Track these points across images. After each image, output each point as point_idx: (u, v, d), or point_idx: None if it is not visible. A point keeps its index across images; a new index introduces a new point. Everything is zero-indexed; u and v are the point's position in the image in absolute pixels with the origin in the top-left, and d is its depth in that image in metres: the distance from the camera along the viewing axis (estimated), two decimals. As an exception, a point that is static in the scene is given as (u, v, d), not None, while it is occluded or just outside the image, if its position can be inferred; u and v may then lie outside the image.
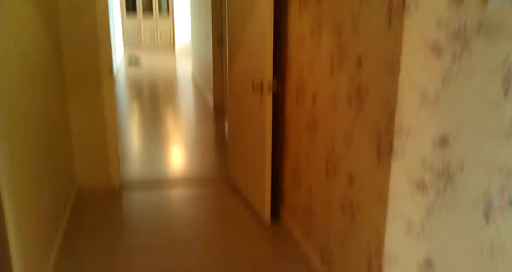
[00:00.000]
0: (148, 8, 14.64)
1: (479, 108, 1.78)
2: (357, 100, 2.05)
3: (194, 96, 8.10)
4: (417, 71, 1.70)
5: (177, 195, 3.76)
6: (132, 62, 12.03)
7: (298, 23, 2.78)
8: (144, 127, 5.98)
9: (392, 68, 1.74)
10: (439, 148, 1.78)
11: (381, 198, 1.86)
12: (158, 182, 4.03)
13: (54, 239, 2.78)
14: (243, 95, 3.44)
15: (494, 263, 1.98)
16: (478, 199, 1.89)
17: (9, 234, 1.90)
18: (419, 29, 1.66)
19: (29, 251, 2.17)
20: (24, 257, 2.07)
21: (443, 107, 1.75)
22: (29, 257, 2.15)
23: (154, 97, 7.98)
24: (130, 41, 14.82)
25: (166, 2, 14.72)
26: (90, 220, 3.25)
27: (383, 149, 1.83)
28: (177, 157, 4.75)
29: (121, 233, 3.09)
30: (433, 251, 1.90)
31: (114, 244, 2.94)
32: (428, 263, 1.91)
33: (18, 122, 2.12)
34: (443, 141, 1.78)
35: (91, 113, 3.67)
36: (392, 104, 1.75)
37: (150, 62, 12.31)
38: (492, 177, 1.87)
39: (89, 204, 3.52)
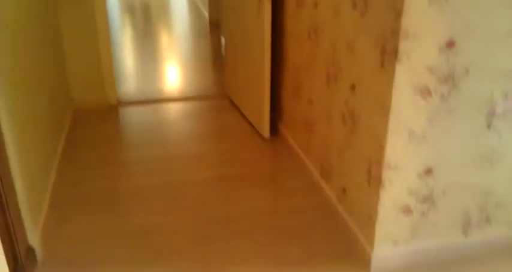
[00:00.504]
0: None
1: (488, 10, 1.67)
2: (362, 2, 1.92)
3: (188, 9, 7.79)
4: (427, -32, 1.57)
5: (175, 111, 3.72)
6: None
7: None
8: (138, 43, 5.80)
9: (401, -36, 1.60)
10: (445, 52, 1.70)
11: (383, 105, 1.82)
12: (155, 99, 3.97)
13: (54, 154, 2.78)
14: (240, 4, 3.27)
15: (493, 170, 1.98)
16: (481, 105, 1.84)
17: (9, 152, 1.88)
18: None
19: (30, 168, 2.17)
20: (25, 173, 2.07)
21: (452, 8, 1.63)
22: (29, 173, 2.15)
23: (146, 11, 7.67)
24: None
25: None
26: (88, 136, 3.24)
27: (387, 55, 1.75)
28: (173, 73, 4.65)
29: (120, 147, 3.09)
30: (434, 158, 1.89)
31: (114, 157, 2.95)
32: (428, 171, 1.91)
33: (8, 37, 2.01)
34: (450, 44, 1.69)
35: (83, 27, 3.51)
36: (399, 5, 1.63)
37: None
38: (496, 82, 1.80)
39: (86, 121, 3.50)
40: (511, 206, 2.09)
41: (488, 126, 1.88)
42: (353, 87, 2.07)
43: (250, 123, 3.43)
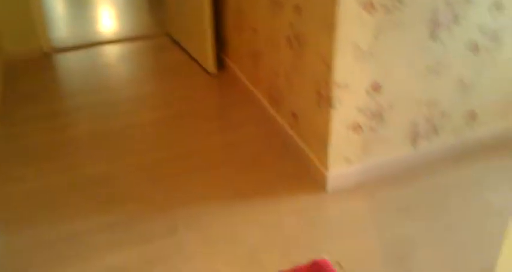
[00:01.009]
0: None
1: None
2: None
3: None
4: None
5: (113, 53, 3.54)
6: None
7: None
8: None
9: None
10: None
11: (329, 24, 1.77)
12: (91, 43, 3.74)
13: (-13, 109, 2.60)
14: None
15: (439, 80, 2.01)
16: (425, 16, 1.82)
17: None
18: None
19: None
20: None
21: None
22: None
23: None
24: None
25: None
26: (25, 87, 3.04)
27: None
28: (108, 14, 4.38)
29: (60, 96, 2.92)
30: (381, 74, 1.89)
31: (55, 107, 2.79)
32: (376, 87, 1.91)
33: None
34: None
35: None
36: None
37: None
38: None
39: (21, 72, 3.26)
40: (456, 115, 2.15)
41: (433, 38, 1.88)
42: (297, 8, 2.00)
43: (194, 60, 3.31)
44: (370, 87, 1.91)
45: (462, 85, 2.07)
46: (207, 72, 3.13)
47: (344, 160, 2.04)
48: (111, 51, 3.56)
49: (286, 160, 2.26)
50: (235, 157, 2.30)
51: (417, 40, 1.87)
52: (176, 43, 3.60)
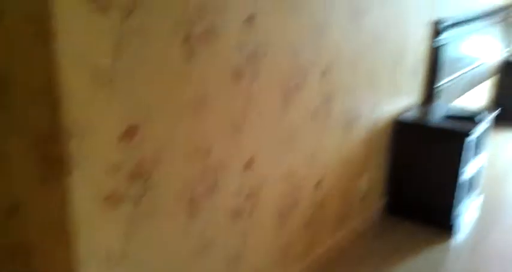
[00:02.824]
0: None
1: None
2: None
3: None
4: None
5: None
6: None
7: None
8: None
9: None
10: (125, 142, 1.36)
11: (62, 229, 1.31)
12: None
13: None
14: None
15: (207, 259, 1.75)
16: (180, 194, 1.57)
17: None
18: None
19: None
20: None
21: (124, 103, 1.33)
22: None
23: None
24: None
25: None
26: None
27: (50, 160, 1.28)
28: None
29: None
30: (144, 274, 1.50)
31: None
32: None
33: None
34: (130, 133, 1.37)
35: None
36: (54, 102, 1.20)
37: None
38: (192, 160, 1.58)
39: None
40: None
41: (192, 217, 1.64)
42: (13, 209, 1.48)
43: None
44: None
45: (230, 258, 1.86)
46: None
47: None
48: None
49: None
50: None
51: (176, 224, 1.59)
52: None
